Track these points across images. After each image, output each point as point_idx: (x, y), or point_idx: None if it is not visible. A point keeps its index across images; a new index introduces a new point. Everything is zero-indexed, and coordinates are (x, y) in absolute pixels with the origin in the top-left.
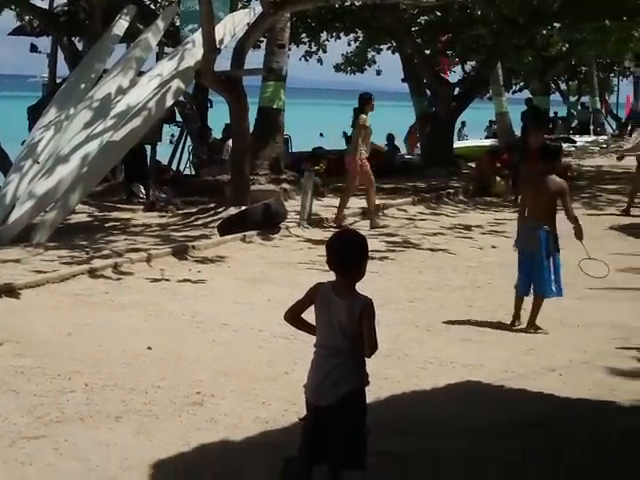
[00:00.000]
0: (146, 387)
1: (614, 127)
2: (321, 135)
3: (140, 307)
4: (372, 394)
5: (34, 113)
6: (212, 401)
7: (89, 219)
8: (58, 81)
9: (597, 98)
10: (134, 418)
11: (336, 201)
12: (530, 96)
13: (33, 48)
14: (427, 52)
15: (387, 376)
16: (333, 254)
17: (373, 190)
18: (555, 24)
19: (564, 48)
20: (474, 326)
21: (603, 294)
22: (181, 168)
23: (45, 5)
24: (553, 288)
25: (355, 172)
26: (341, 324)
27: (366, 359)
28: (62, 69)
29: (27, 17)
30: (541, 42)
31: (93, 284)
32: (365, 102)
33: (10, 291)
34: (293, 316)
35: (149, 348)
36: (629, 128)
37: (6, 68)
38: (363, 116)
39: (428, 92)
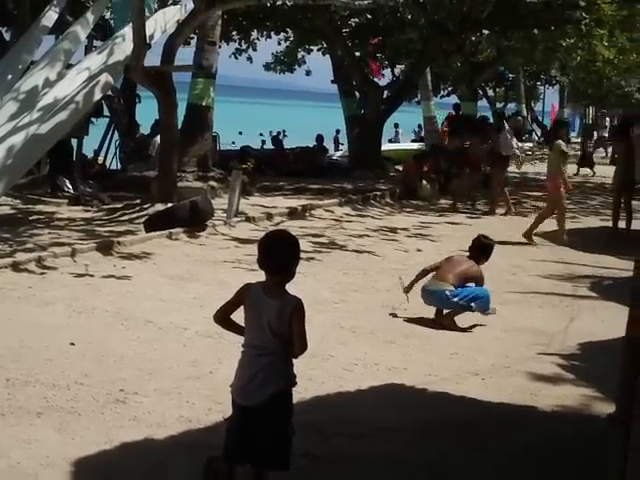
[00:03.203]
0: (69, 383)
1: (539, 134)
2: (240, 133)
3: (64, 302)
4: (297, 395)
5: None
6: (135, 399)
7: (13, 212)
8: None
9: (524, 105)
10: (56, 415)
11: (263, 200)
12: (458, 101)
13: None
14: (357, 54)
15: (312, 377)
16: (265, 254)
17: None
18: (484, 31)
19: (492, 55)
20: (399, 329)
21: (526, 299)
22: (107, 163)
23: None
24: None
25: (558, 191)
26: (271, 324)
27: (292, 360)
28: None
29: None
30: (470, 48)
31: (16, 278)
32: (560, 129)
33: None
34: (222, 317)
35: (72, 344)
36: (594, 138)
37: None
38: (561, 142)
39: (357, 94)
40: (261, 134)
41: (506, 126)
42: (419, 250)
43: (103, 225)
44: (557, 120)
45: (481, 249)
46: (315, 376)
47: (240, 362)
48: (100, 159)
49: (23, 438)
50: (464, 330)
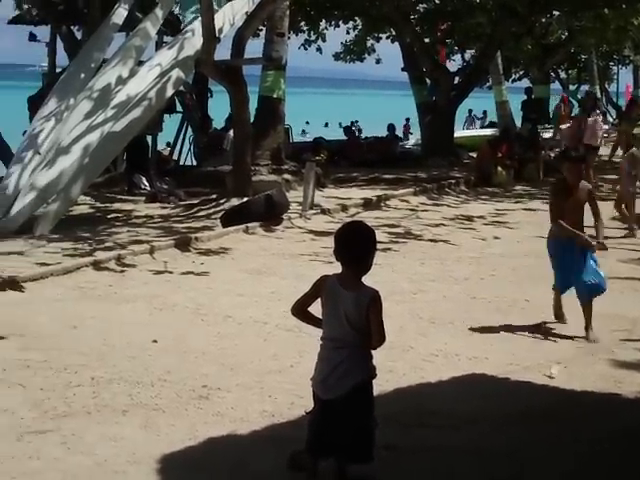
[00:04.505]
0: (152, 380)
1: (614, 116)
2: (307, 123)
3: (144, 300)
4: (377, 387)
5: (34, 103)
6: (218, 394)
7: (91, 210)
8: (58, 70)
9: (597, 86)
10: (141, 412)
11: (338, 191)
12: (530, 85)
13: (32, 37)
14: (426, 40)
15: (392, 368)
16: (341, 246)
17: None
18: (554, 12)
19: (563, 36)
20: (478, 318)
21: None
22: (182, 158)
23: None
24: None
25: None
26: (348, 316)
27: (372, 351)
28: (61, 58)
29: (26, 6)
30: (540, 30)
31: (97, 276)
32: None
33: (14, 284)
34: (300, 309)
35: (154, 341)
36: None
37: (5, 57)
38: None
39: (428, 81)
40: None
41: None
42: (496, 238)
43: (180, 221)
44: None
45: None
46: (396, 368)
47: (319, 355)
48: (165, 153)
49: (109, 436)
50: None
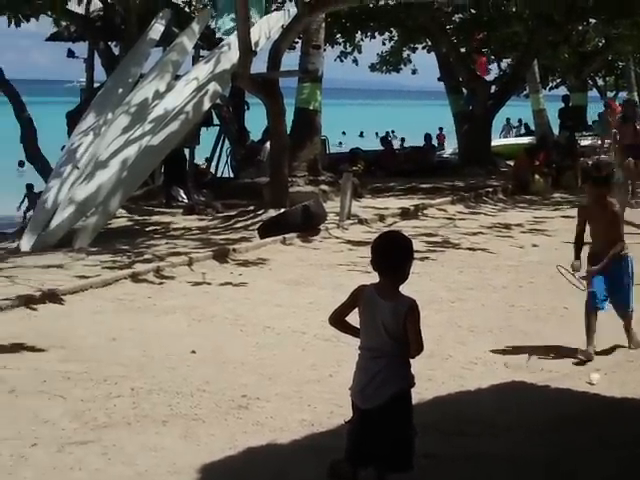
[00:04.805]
0: (191, 391)
1: None
2: (343, 133)
3: (183, 311)
4: (416, 395)
5: (73, 119)
6: (258, 404)
7: (130, 223)
8: (95, 86)
9: (635, 93)
10: (180, 422)
11: (375, 201)
12: (567, 93)
13: (70, 53)
14: (462, 50)
15: (431, 377)
16: (378, 256)
17: None
18: (591, 20)
19: (600, 44)
20: (517, 326)
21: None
22: (219, 171)
23: (81, 10)
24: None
25: None
26: (386, 326)
27: (410, 360)
28: (99, 74)
29: (64, 23)
30: (577, 38)
31: (136, 288)
32: None
33: (54, 297)
34: (337, 319)
35: (193, 352)
36: None
37: (44, 73)
38: None
39: (465, 90)
40: (362, 133)
41: None
42: (535, 245)
43: (218, 233)
44: None
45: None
46: (435, 376)
47: (357, 365)
48: (203, 165)
49: (149, 446)
50: None
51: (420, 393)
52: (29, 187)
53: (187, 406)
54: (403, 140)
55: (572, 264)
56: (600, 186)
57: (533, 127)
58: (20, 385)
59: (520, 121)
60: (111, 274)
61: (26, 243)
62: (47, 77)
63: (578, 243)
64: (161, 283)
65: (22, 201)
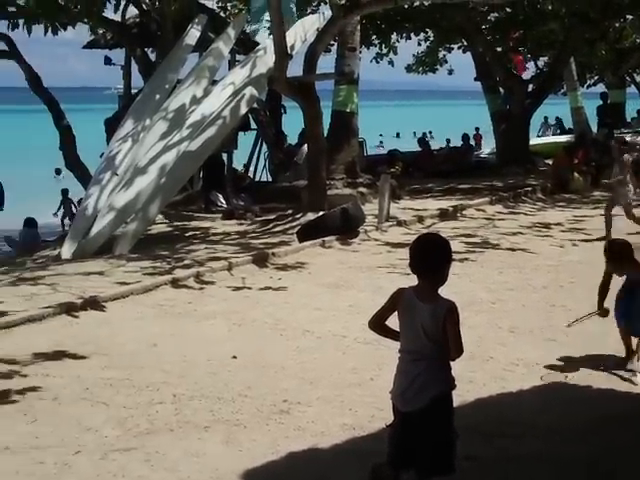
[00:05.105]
0: (233, 396)
1: None
2: (380, 136)
3: (223, 316)
4: (458, 397)
5: (111, 125)
6: (299, 409)
7: (169, 229)
8: (133, 92)
9: None
10: (222, 428)
11: (413, 202)
12: (605, 90)
13: (107, 60)
14: (499, 50)
15: (472, 379)
16: (416, 258)
17: None
18: (627, 16)
19: (638, 40)
20: (558, 326)
21: None
22: (257, 175)
23: (117, 18)
24: None
25: None
26: (425, 328)
27: (451, 362)
28: (136, 80)
29: (100, 30)
30: (614, 35)
31: (176, 294)
32: None
33: (95, 304)
34: (377, 323)
35: (234, 357)
36: None
37: (81, 81)
38: None
39: (501, 90)
40: (398, 134)
41: None
42: (575, 245)
43: (257, 237)
44: None
45: None
46: (476, 378)
47: (398, 368)
48: (241, 171)
49: (192, 452)
50: None
51: (461, 395)
52: (64, 192)
53: (229, 411)
54: (449, 141)
55: (599, 313)
56: None
57: (569, 125)
58: (63, 393)
59: (557, 119)
60: (151, 280)
61: (67, 250)
62: (85, 84)
63: (603, 293)
64: (201, 288)
65: (59, 207)
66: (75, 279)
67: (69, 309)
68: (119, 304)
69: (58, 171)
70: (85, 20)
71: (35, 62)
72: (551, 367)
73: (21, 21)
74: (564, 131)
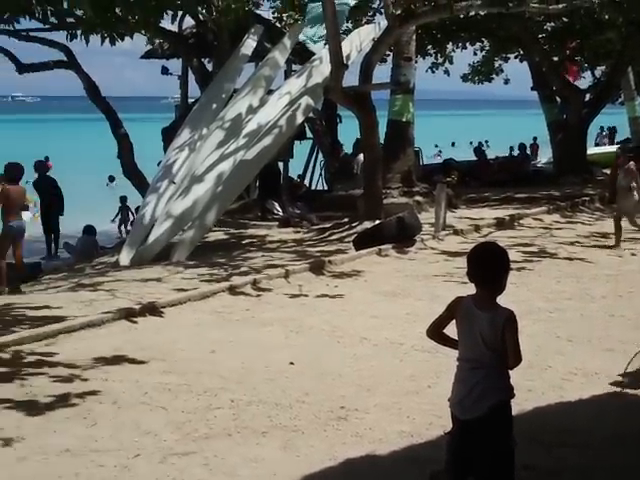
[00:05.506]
0: (291, 402)
1: None
2: (436, 146)
3: (280, 323)
4: (516, 406)
5: (168, 134)
6: (356, 415)
7: (226, 237)
8: (190, 102)
9: None
10: (280, 433)
11: (470, 211)
12: None
13: (164, 70)
14: (555, 59)
15: (531, 388)
16: (474, 267)
17: None
18: None
19: None
20: (616, 336)
21: None
22: (313, 183)
23: (174, 28)
24: None
25: None
26: (484, 337)
27: (509, 371)
28: (193, 90)
29: (157, 41)
30: None
31: (233, 301)
32: None
33: (153, 310)
34: (435, 332)
35: (291, 363)
36: None
37: (139, 91)
38: None
39: (558, 99)
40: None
41: None
42: (633, 254)
43: (313, 245)
44: None
45: None
46: (534, 387)
47: (456, 376)
48: (296, 179)
49: (250, 457)
50: None
51: (520, 404)
52: (122, 199)
53: (286, 417)
54: (512, 149)
55: None
56: None
57: (626, 135)
58: (122, 397)
59: (611, 129)
60: (209, 287)
61: (125, 257)
62: (142, 94)
63: None
64: (258, 295)
65: (117, 214)
66: (133, 285)
67: (128, 315)
68: (177, 310)
69: (111, 178)
70: (142, 31)
71: (93, 72)
72: (611, 376)
73: (79, 32)
74: (612, 140)
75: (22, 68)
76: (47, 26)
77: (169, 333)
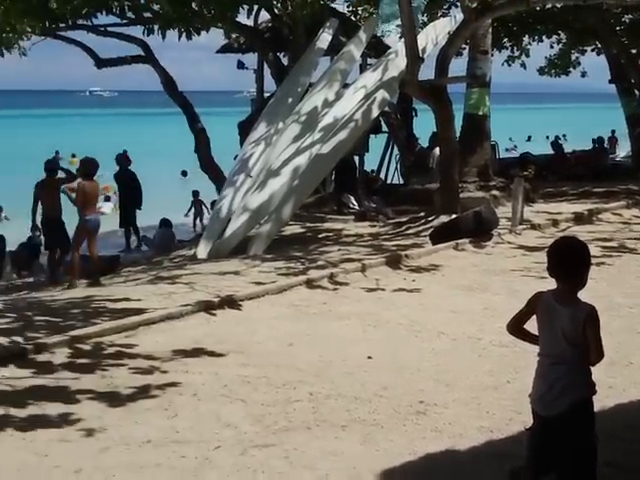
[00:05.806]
0: (369, 396)
1: None
2: (510, 139)
3: (358, 317)
4: (598, 403)
5: (244, 128)
6: (435, 410)
7: (302, 230)
8: (265, 96)
9: None
10: (359, 427)
11: (547, 206)
12: None
13: (240, 65)
14: (633, 52)
15: (612, 385)
16: (555, 261)
17: None
18: None
19: None
20: None
21: None
22: (389, 177)
23: (250, 23)
24: None
25: None
26: (565, 332)
27: (591, 368)
28: (269, 84)
29: (233, 35)
30: None
31: (311, 295)
32: None
33: (232, 303)
34: (516, 327)
35: (369, 357)
36: None
37: (215, 85)
38: None
39: (637, 92)
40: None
41: None
42: None
43: (390, 239)
44: None
45: None
46: (616, 384)
47: (536, 371)
48: (372, 173)
49: (329, 450)
50: None
51: (601, 401)
52: (195, 194)
53: (365, 411)
54: (594, 141)
55: None
56: None
57: None
58: (202, 389)
59: None
60: (286, 280)
61: (202, 250)
62: (218, 88)
63: None
64: (335, 289)
65: (189, 208)
66: (211, 278)
67: (207, 307)
68: (255, 303)
69: (184, 173)
70: (219, 25)
71: (169, 66)
72: None
73: (156, 27)
74: None
75: (100, 63)
76: (124, 21)
77: (247, 326)
